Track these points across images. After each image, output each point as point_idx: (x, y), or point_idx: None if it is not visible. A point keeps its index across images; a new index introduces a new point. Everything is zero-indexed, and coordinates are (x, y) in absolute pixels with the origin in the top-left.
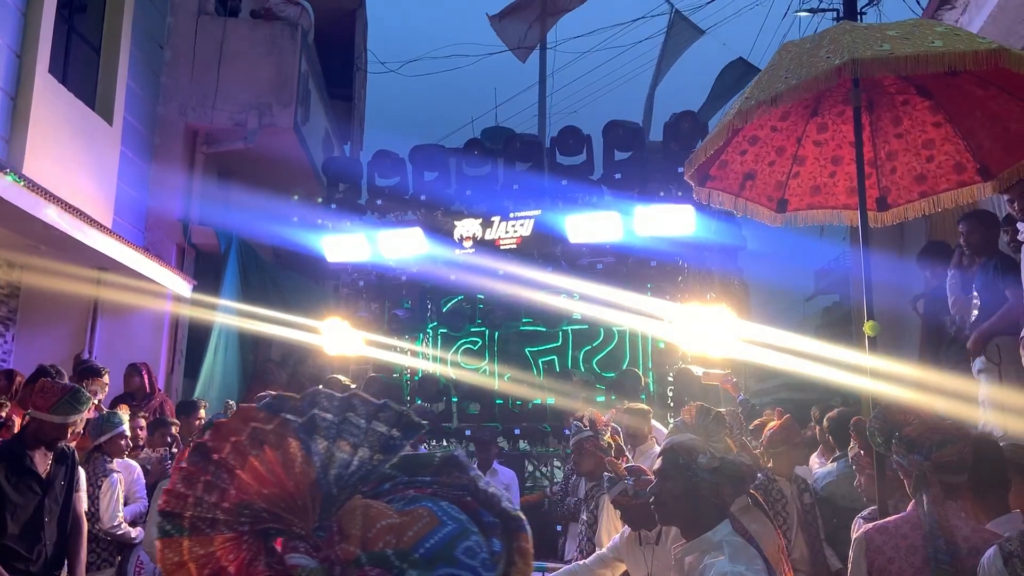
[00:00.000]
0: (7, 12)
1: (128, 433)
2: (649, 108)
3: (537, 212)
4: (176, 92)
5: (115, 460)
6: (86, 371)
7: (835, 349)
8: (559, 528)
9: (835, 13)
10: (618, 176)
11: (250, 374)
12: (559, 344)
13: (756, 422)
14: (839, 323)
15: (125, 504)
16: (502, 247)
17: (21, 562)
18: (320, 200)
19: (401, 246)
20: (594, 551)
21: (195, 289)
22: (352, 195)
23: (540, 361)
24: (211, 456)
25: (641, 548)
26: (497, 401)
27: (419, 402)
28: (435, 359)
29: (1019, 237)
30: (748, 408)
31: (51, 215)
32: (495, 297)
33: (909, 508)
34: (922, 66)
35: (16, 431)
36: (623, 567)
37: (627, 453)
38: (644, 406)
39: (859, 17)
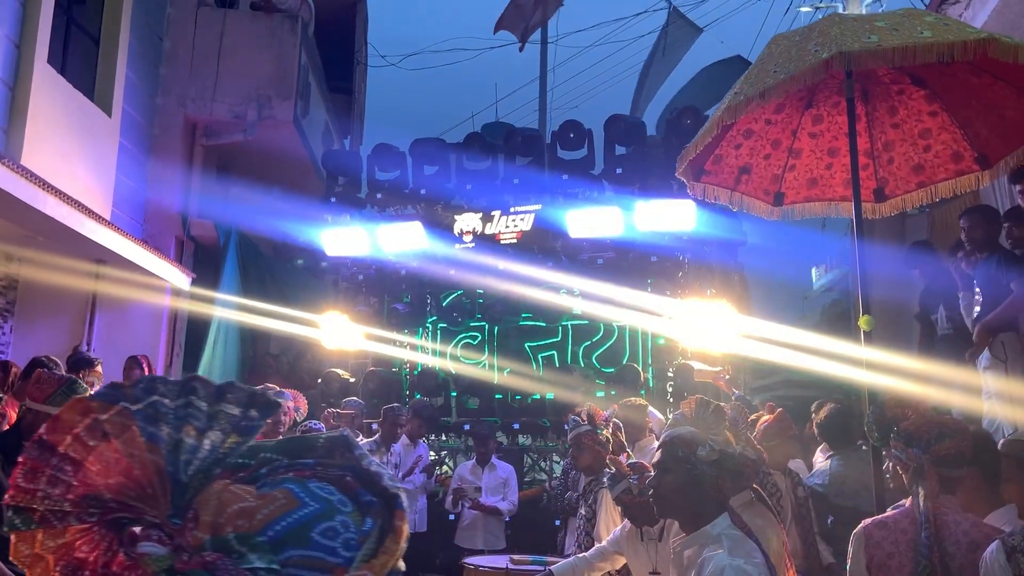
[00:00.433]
0: (6, 2)
1: None
2: (637, 101)
3: (537, 207)
4: (175, 84)
5: None
6: (79, 362)
7: (836, 344)
8: (558, 523)
9: (837, 8)
10: (619, 171)
11: (249, 368)
12: (559, 339)
13: (751, 417)
14: (840, 318)
15: None
16: (502, 242)
17: None
18: (320, 194)
19: (401, 240)
20: (592, 546)
21: (194, 282)
22: (352, 189)
23: (540, 356)
24: (53, 449)
25: (643, 543)
26: (496, 396)
27: (418, 396)
28: (434, 353)
29: None
30: (744, 404)
31: (49, 206)
32: (495, 292)
33: (908, 503)
34: (910, 57)
35: (12, 423)
36: (623, 560)
37: (627, 449)
38: (642, 401)
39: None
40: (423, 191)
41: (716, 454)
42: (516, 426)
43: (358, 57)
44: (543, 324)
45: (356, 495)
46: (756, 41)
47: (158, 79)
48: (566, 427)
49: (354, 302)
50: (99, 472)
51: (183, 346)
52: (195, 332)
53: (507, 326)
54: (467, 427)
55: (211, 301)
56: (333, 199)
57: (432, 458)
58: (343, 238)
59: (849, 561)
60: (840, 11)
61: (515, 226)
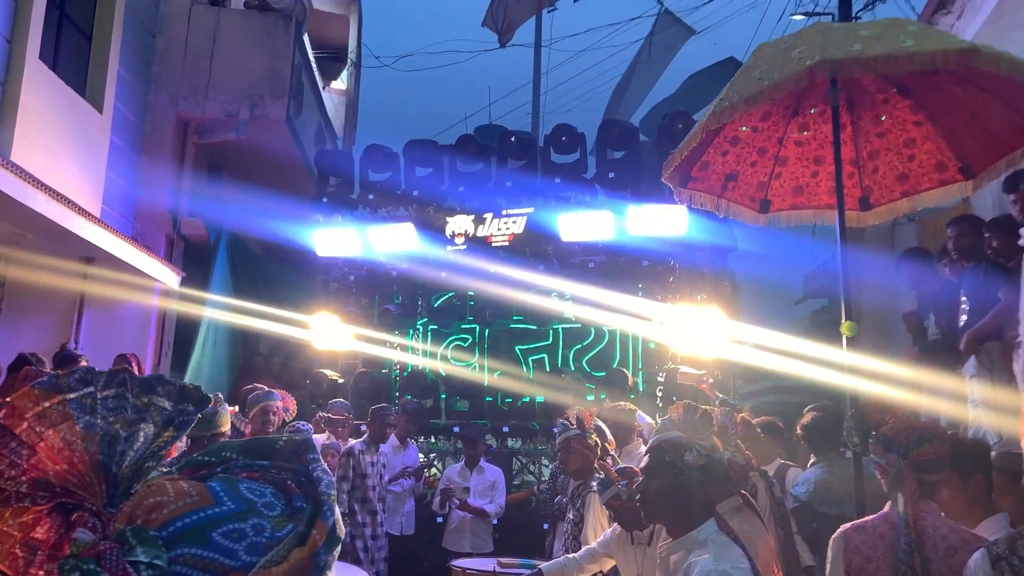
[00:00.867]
0: None
1: None
2: (617, 104)
3: (530, 210)
4: (168, 81)
5: None
6: (64, 359)
7: (824, 350)
8: (546, 526)
9: (830, 17)
10: (611, 175)
11: (239, 368)
12: (549, 342)
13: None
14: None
15: None
16: (494, 244)
17: None
18: (312, 194)
19: (392, 241)
20: (580, 550)
21: (183, 281)
22: (344, 189)
23: (530, 359)
24: (12, 434)
25: (633, 547)
26: (486, 398)
27: (408, 398)
28: (425, 355)
29: (1020, 242)
30: (730, 408)
31: (39, 202)
32: (486, 294)
33: (887, 507)
34: (892, 65)
35: None
36: (611, 562)
37: (612, 453)
38: (630, 405)
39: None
40: (415, 192)
41: (703, 459)
42: (506, 429)
43: (352, 58)
44: (534, 327)
45: (291, 500)
46: (748, 48)
47: (150, 76)
48: (555, 430)
49: (344, 303)
50: (48, 458)
51: (171, 345)
52: (184, 332)
53: (498, 328)
54: (456, 429)
55: (201, 301)
56: (325, 199)
57: (421, 460)
58: (335, 238)
59: (828, 565)
60: (831, 20)
61: (507, 229)
